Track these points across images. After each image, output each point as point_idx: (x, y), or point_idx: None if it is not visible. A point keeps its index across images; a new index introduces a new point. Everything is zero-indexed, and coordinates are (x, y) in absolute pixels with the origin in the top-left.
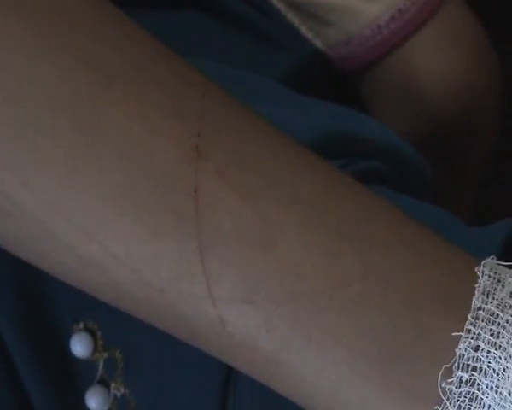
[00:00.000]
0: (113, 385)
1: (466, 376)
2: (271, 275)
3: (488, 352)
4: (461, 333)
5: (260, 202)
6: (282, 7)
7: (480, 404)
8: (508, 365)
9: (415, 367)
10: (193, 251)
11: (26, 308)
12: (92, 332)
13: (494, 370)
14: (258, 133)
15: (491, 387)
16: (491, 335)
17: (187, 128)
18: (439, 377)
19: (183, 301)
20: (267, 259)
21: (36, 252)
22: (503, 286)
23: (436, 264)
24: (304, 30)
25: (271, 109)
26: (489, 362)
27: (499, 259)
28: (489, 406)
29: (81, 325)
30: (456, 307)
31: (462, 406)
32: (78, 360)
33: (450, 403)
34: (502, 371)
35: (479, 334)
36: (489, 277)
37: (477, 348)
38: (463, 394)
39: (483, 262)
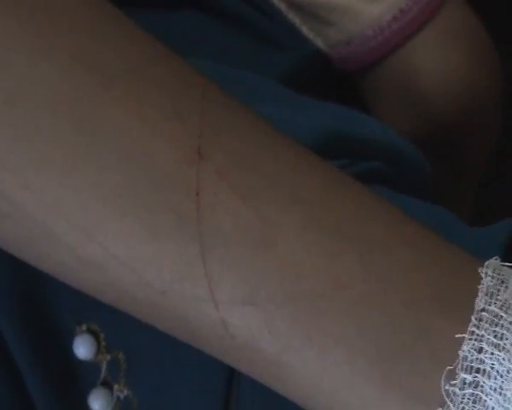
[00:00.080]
0: (116, 387)
1: (469, 378)
2: (272, 276)
3: (492, 354)
4: (464, 335)
5: (260, 203)
6: (282, 7)
7: (484, 406)
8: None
9: (415, 368)
10: (194, 253)
11: (27, 309)
12: (95, 334)
13: (498, 371)
14: (258, 133)
15: (495, 389)
16: (495, 336)
17: (187, 129)
18: (443, 379)
19: (185, 303)
20: (268, 260)
21: (36, 253)
22: (506, 287)
23: (436, 264)
24: (305, 30)
25: (271, 109)
26: (492, 364)
27: (501, 259)
28: (493, 408)
29: (84, 327)
30: (458, 308)
31: (466, 408)
32: (80, 362)
33: (453, 405)
34: (505, 372)
35: (482, 335)
36: (492, 278)
37: (480, 350)
38: (467, 395)
39: (486, 263)
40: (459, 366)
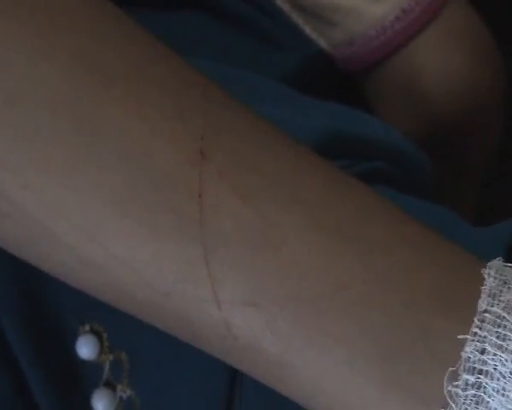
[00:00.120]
0: (119, 387)
1: (472, 379)
2: (273, 277)
3: (494, 355)
4: (467, 336)
5: (262, 204)
6: (285, 7)
7: (487, 407)
8: None
9: (416, 368)
10: (197, 254)
11: (29, 309)
12: (98, 334)
13: (501, 373)
14: (259, 133)
15: (498, 390)
16: (498, 337)
17: (189, 129)
18: (445, 380)
19: (187, 304)
20: (269, 260)
21: (36, 253)
22: (509, 288)
23: (438, 264)
24: (308, 30)
25: (272, 109)
26: (495, 365)
27: (503, 260)
28: (495, 409)
29: (87, 328)
30: (460, 309)
31: (469, 409)
32: (83, 362)
33: (456, 406)
34: (508, 374)
35: (485, 337)
36: (495, 279)
37: (483, 351)
38: (469, 397)
39: (489, 264)
40: (462, 367)
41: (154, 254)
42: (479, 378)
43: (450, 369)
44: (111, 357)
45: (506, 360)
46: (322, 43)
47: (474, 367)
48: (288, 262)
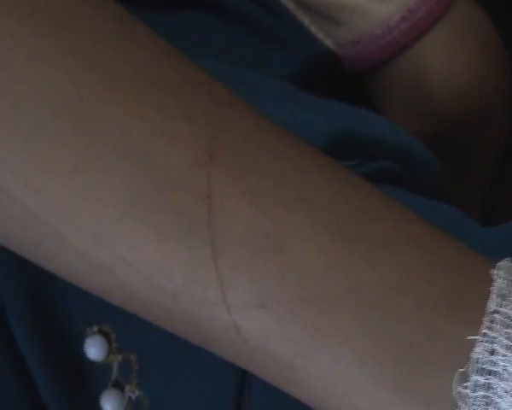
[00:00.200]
0: (127, 388)
1: (482, 380)
2: (283, 279)
3: (504, 355)
4: (476, 337)
5: (269, 206)
6: (290, 6)
7: (497, 408)
8: None
9: (425, 369)
10: (206, 256)
11: (37, 309)
12: (106, 335)
13: (510, 373)
14: (265, 134)
15: (507, 391)
16: (507, 338)
17: (195, 130)
18: (454, 381)
19: (196, 307)
20: (278, 263)
21: (41, 254)
22: None
23: (446, 265)
24: (313, 29)
25: (277, 109)
26: (505, 366)
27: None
28: None
29: (95, 328)
30: (468, 310)
31: None
32: (91, 363)
33: (466, 407)
34: None
35: (494, 337)
36: (504, 279)
37: (493, 352)
38: (479, 398)
39: (498, 264)
40: (471, 369)
41: (163, 257)
42: (488, 379)
43: (460, 370)
44: (119, 358)
45: None
46: (328, 42)
47: (484, 368)
48: (296, 264)
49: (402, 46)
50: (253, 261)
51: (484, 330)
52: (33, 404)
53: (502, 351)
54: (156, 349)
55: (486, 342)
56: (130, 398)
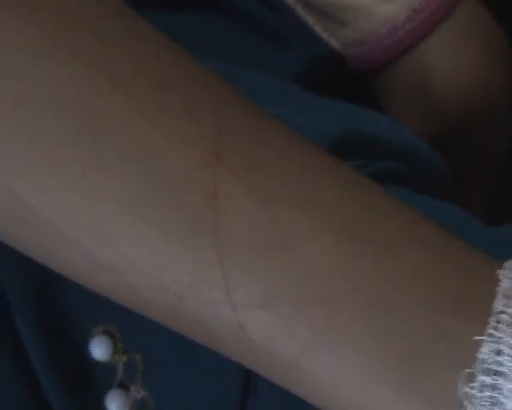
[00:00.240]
0: (132, 388)
1: (488, 380)
2: (288, 279)
3: (510, 356)
4: (483, 337)
5: (275, 206)
6: (295, 5)
7: (502, 408)
8: None
9: (431, 370)
10: (212, 256)
11: (42, 309)
12: (111, 335)
13: None
14: (271, 133)
15: None
16: None
17: (201, 130)
18: (460, 381)
19: (202, 307)
20: (283, 263)
21: (47, 254)
22: None
23: (451, 264)
24: (318, 29)
25: (281, 109)
26: (511, 366)
27: None
28: None
29: (100, 328)
30: (474, 309)
31: None
32: (96, 363)
33: (472, 407)
34: None
35: (500, 338)
36: (510, 279)
37: (499, 352)
38: (485, 398)
39: (504, 264)
40: (478, 369)
41: (169, 257)
42: (494, 379)
43: (466, 370)
44: (124, 358)
45: None
46: (333, 42)
47: (490, 369)
48: (301, 264)
49: (407, 46)
50: (259, 261)
51: (490, 331)
52: (38, 404)
53: (508, 351)
54: (161, 349)
55: (492, 342)
56: (135, 398)
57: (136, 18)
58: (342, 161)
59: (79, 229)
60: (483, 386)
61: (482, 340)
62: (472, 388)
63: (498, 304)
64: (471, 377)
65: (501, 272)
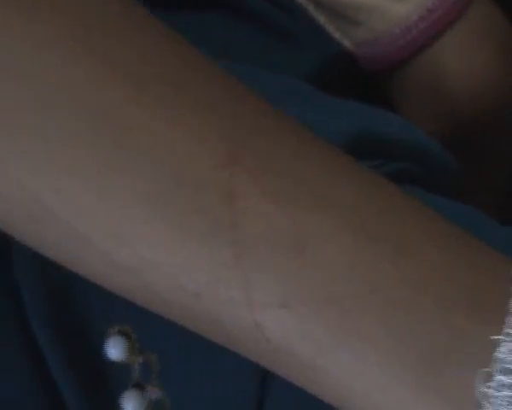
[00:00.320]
0: (148, 388)
1: (506, 380)
2: (306, 279)
3: None
4: (500, 336)
5: (291, 206)
6: (307, 4)
7: None
8: None
9: (449, 370)
10: (229, 256)
11: (58, 309)
12: (127, 335)
13: None
14: (287, 133)
15: None
16: None
17: (219, 130)
18: (478, 381)
19: (219, 307)
20: (301, 263)
21: (64, 254)
22: None
23: (467, 263)
24: (331, 29)
25: (294, 108)
26: None
27: None
28: None
29: (116, 329)
30: (490, 309)
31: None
32: (111, 363)
33: (490, 407)
34: None
35: None
36: None
37: None
38: (503, 398)
39: None
40: (495, 368)
41: (186, 257)
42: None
43: (485, 370)
44: (140, 358)
45: None
46: (346, 42)
47: (508, 368)
48: (319, 264)
49: (421, 46)
50: (276, 261)
51: (507, 330)
52: (53, 404)
53: None
54: (177, 349)
55: (510, 342)
56: (150, 398)
57: (149, 16)
58: (358, 161)
59: (96, 229)
60: (501, 385)
61: (499, 339)
62: (489, 387)
63: None
64: (488, 377)
65: None
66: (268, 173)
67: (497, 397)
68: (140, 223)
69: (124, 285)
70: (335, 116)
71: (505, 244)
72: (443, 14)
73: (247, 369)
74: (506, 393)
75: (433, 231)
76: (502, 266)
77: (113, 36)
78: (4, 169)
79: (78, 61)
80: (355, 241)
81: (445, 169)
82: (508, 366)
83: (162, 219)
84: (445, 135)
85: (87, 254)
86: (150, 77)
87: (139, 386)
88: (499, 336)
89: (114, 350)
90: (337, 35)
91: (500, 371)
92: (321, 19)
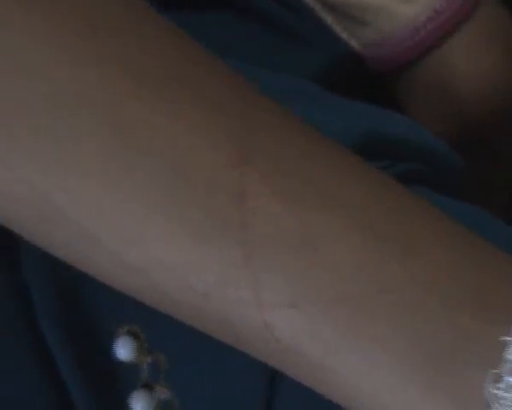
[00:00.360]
0: (157, 388)
1: None
2: (315, 279)
3: None
4: (508, 337)
5: (301, 206)
6: (314, 5)
7: None
8: None
9: (457, 370)
10: (238, 256)
11: (67, 309)
12: (136, 335)
13: None
14: (296, 134)
15: None
16: None
17: (229, 130)
18: (487, 382)
19: (228, 306)
20: (310, 263)
21: (74, 253)
22: None
23: (474, 264)
24: (338, 30)
25: (302, 108)
26: None
27: None
28: None
29: (125, 329)
30: (497, 309)
31: None
32: (120, 363)
33: (499, 408)
34: None
35: None
36: None
37: None
38: (510, 399)
39: None
40: (504, 370)
41: (195, 256)
42: None
43: (493, 371)
44: (149, 358)
45: None
46: (353, 43)
47: None
48: (328, 264)
49: (429, 47)
50: (285, 261)
51: None
52: (62, 404)
53: None
54: (186, 349)
55: None
56: (159, 399)
57: (149, 8)
58: (366, 161)
59: (105, 229)
60: (510, 387)
61: (508, 340)
62: (498, 388)
63: None
64: (497, 378)
65: None
66: (277, 173)
67: (506, 399)
68: (149, 223)
69: (133, 285)
70: (343, 117)
71: (511, 244)
72: (451, 16)
73: (255, 369)
74: None
75: (440, 231)
76: (507, 265)
77: (114, 30)
78: (14, 169)
79: (86, 61)
80: (363, 241)
81: (452, 170)
82: None
83: (172, 219)
84: (453, 136)
85: (97, 254)
86: (160, 76)
87: (148, 386)
88: (508, 337)
89: (123, 350)
90: (344, 35)
91: (509, 373)
92: (328, 19)
